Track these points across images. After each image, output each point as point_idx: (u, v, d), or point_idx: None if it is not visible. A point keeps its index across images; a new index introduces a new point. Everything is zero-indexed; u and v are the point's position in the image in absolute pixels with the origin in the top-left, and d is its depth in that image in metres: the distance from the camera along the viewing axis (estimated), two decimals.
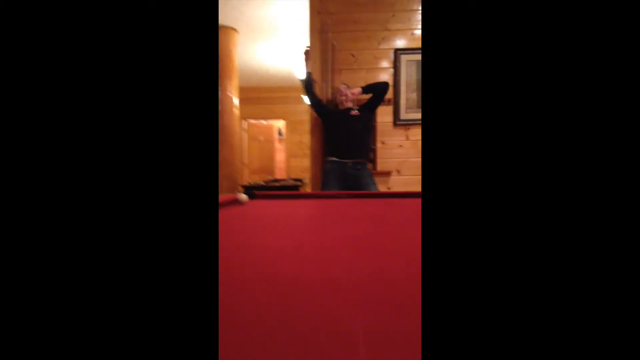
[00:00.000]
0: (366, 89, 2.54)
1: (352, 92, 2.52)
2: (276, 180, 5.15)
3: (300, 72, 2.47)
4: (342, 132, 2.48)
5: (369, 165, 2.62)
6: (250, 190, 1.83)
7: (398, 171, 2.85)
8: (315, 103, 2.60)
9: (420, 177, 2.88)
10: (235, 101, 4.32)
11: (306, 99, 2.62)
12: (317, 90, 2.76)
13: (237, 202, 1.47)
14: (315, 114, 2.69)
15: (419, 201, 1.56)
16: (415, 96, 2.81)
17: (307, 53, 2.68)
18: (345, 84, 2.63)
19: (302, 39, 4.11)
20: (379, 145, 2.83)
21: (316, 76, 2.79)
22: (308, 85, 2.57)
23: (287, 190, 3.97)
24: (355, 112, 2.51)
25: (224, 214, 1.20)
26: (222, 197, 1.48)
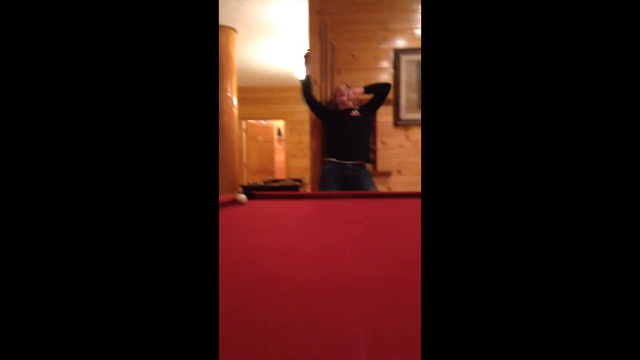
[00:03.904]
0: (368, 89, 2.54)
1: (353, 92, 2.51)
2: (276, 181, 5.15)
3: (300, 74, 2.45)
4: (342, 133, 2.47)
5: (369, 166, 2.61)
6: (250, 190, 1.83)
7: (398, 171, 2.85)
8: (315, 106, 2.59)
9: (420, 176, 2.88)
10: (234, 101, 4.32)
11: (305, 102, 2.61)
12: (317, 91, 2.75)
13: (236, 202, 1.47)
14: (314, 116, 2.69)
15: (418, 201, 1.56)
16: (415, 96, 2.81)
17: (307, 56, 2.66)
18: (345, 84, 2.62)
19: (302, 38, 4.11)
20: (379, 145, 2.83)
21: (315, 76, 2.79)
22: (307, 88, 2.55)
23: (286, 190, 3.97)
24: (355, 113, 2.51)
25: (222, 214, 1.20)
26: (221, 197, 1.48)
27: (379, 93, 2.53)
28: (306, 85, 2.56)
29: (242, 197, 1.49)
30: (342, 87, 2.57)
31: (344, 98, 2.52)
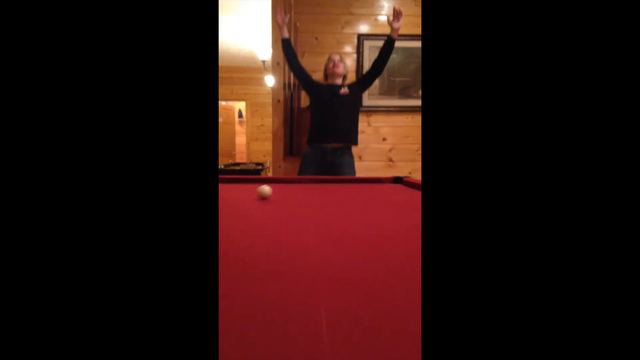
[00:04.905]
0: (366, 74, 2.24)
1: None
2: (236, 164, 5.03)
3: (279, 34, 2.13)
4: (327, 112, 2.20)
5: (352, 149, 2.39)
6: None
7: (359, 157, 2.89)
8: (301, 75, 2.27)
9: (381, 162, 2.95)
10: None
11: (290, 69, 2.31)
12: (279, 74, 2.69)
13: None
14: (278, 98, 2.63)
15: (379, 186, 1.61)
16: (377, 82, 2.84)
17: (277, 15, 2.19)
18: (339, 54, 2.32)
19: (264, 17, 3.98)
20: None
21: (278, 59, 2.72)
22: (287, 53, 2.22)
23: (248, 174, 3.90)
24: (345, 91, 2.25)
25: None
26: None
27: (382, 54, 2.16)
28: (286, 49, 2.21)
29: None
30: (336, 57, 2.26)
31: (339, 70, 2.22)
